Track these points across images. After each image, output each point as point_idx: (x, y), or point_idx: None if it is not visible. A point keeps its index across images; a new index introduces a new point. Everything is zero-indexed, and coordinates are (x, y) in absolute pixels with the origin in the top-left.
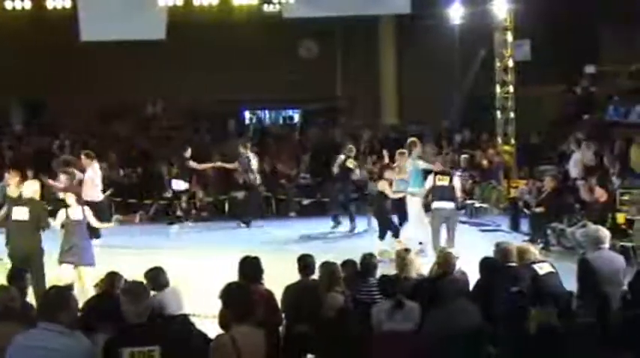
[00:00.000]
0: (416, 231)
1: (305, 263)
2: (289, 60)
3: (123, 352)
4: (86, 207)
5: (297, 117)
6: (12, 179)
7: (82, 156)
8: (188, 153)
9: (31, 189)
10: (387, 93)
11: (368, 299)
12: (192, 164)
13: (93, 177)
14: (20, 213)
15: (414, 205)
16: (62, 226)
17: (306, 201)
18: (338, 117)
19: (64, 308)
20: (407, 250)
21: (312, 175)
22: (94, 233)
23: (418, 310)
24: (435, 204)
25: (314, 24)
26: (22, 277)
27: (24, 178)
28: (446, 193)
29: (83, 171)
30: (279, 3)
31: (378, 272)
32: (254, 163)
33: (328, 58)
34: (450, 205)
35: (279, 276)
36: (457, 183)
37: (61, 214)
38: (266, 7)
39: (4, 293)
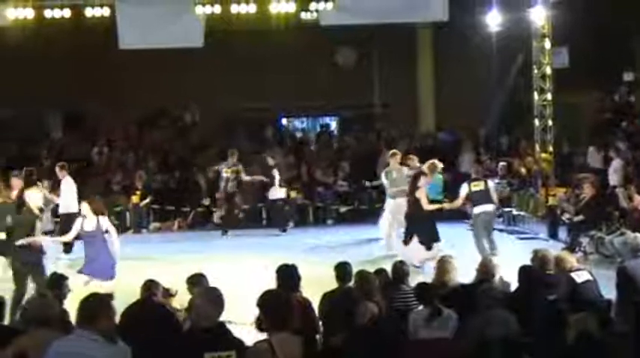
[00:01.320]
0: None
1: (342, 271)
2: (326, 67)
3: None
4: (104, 218)
5: (334, 125)
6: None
7: (57, 168)
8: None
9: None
10: (425, 101)
11: (403, 307)
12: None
13: (67, 189)
14: None
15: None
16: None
17: (343, 209)
18: (375, 125)
19: (103, 315)
20: (447, 257)
21: (349, 183)
22: (66, 247)
23: (455, 317)
24: (476, 210)
25: (351, 31)
26: (60, 284)
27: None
28: (483, 197)
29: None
30: (317, 10)
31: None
32: (276, 173)
33: (365, 66)
34: (489, 208)
35: (316, 284)
36: (492, 186)
37: (77, 225)
38: (303, 15)
39: (42, 301)
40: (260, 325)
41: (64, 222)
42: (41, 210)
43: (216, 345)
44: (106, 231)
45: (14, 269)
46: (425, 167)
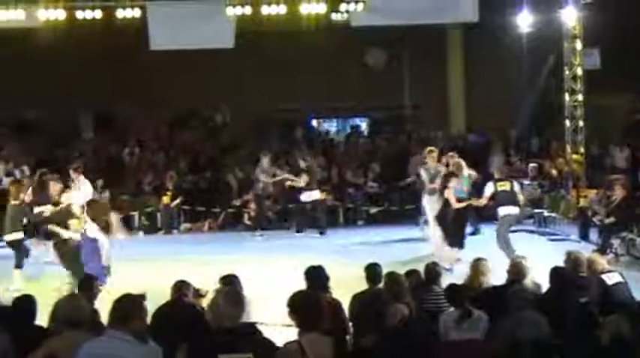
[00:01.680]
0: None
1: (372, 272)
2: (357, 68)
3: None
4: (92, 225)
5: (364, 126)
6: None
7: (71, 170)
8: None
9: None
10: (455, 102)
11: (434, 308)
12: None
13: (85, 190)
14: None
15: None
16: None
17: (373, 210)
18: (405, 126)
19: (135, 316)
20: (481, 259)
21: (380, 184)
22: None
23: (485, 319)
24: (501, 211)
25: (382, 32)
26: (91, 285)
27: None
28: (509, 198)
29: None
30: (347, 12)
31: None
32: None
33: (396, 67)
34: (514, 210)
35: (346, 285)
36: (518, 187)
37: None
38: (334, 16)
39: (73, 302)
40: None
41: None
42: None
43: (234, 347)
44: (94, 239)
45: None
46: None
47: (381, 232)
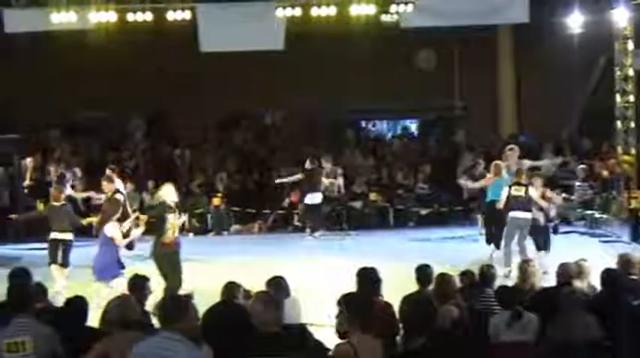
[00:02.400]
0: None
1: (422, 273)
2: (407, 69)
3: None
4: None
5: (414, 127)
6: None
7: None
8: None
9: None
10: (505, 103)
11: (486, 310)
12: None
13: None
14: None
15: None
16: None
17: (424, 211)
18: (455, 127)
19: (185, 316)
20: (528, 261)
21: (430, 185)
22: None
23: (537, 321)
24: (511, 213)
25: (432, 33)
26: (142, 286)
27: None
28: (522, 204)
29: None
30: (397, 13)
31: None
32: (340, 173)
33: (446, 68)
34: (525, 215)
35: (397, 287)
36: (533, 193)
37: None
38: (384, 17)
39: (123, 302)
40: (340, 330)
41: None
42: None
43: (282, 348)
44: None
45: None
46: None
47: (431, 234)
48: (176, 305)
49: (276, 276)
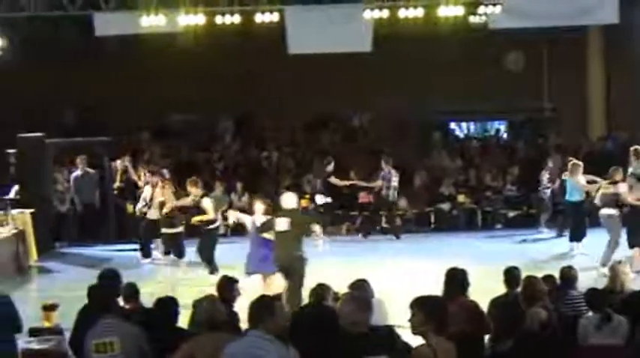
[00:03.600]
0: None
1: (510, 276)
2: (495, 71)
3: None
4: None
5: (502, 129)
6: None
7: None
8: (330, 167)
9: (292, 200)
10: (595, 104)
11: (572, 313)
12: (333, 180)
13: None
14: (282, 224)
15: None
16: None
17: (512, 213)
18: (545, 129)
19: (273, 316)
20: (619, 263)
21: (518, 187)
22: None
23: (626, 324)
24: (602, 211)
25: (520, 35)
26: (231, 288)
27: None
28: (611, 201)
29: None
30: (485, 14)
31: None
32: (395, 180)
33: (534, 69)
34: (608, 211)
35: (484, 289)
36: (622, 189)
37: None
38: (472, 19)
39: (210, 304)
40: (416, 331)
41: None
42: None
43: (369, 350)
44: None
45: None
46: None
47: (518, 236)
48: (264, 305)
49: (360, 279)
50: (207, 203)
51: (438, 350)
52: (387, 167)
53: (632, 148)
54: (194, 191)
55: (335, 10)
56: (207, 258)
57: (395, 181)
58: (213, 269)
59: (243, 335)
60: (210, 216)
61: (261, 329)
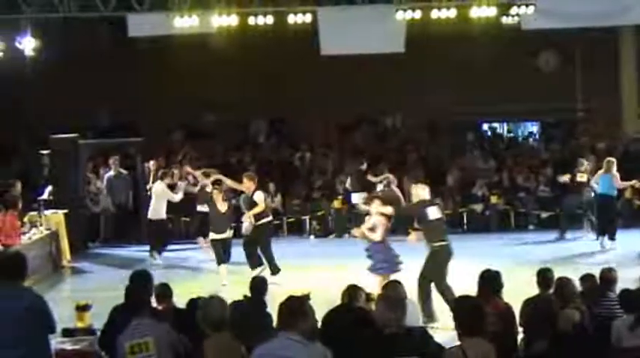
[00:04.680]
0: None
1: (543, 277)
2: (528, 72)
3: None
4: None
5: (536, 130)
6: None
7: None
8: (364, 166)
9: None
10: (629, 106)
11: (608, 314)
12: (370, 177)
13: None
14: (435, 212)
15: None
16: None
17: (544, 214)
18: (578, 130)
19: (303, 316)
20: None
21: (552, 188)
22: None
23: None
24: None
25: (553, 35)
26: (263, 288)
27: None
28: None
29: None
30: (518, 15)
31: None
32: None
33: (567, 70)
34: None
35: (518, 290)
36: None
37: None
38: (505, 19)
39: (207, 304)
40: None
41: None
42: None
43: (401, 350)
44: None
45: None
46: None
47: (552, 237)
48: (294, 306)
49: (392, 280)
50: (259, 196)
51: (468, 351)
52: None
53: None
54: (249, 185)
55: (367, 11)
56: (268, 257)
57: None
58: (274, 268)
59: (273, 336)
60: (262, 207)
61: (292, 330)
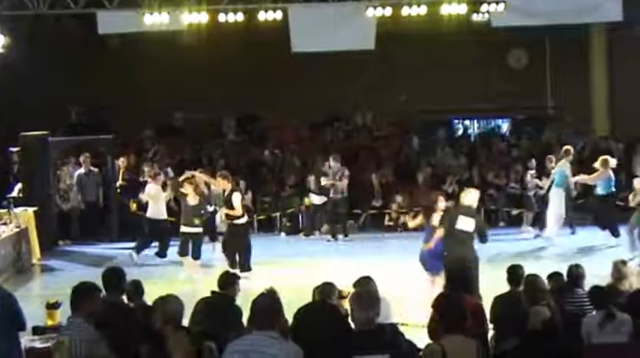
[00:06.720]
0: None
1: (514, 274)
2: (498, 69)
3: None
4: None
5: (505, 127)
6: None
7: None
8: (326, 167)
9: (476, 198)
10: (598, 104)
11: (577, 311)
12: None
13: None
14: (466, 224)
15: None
16: None
17: (515, 211)
18: (547, 128)
19: (277, 313)
20: (623, 261)
21: (521, 185)
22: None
23: (629, 322)
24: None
25: (523, 33)
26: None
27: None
28: None
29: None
30: (488, 12)
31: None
32: (344, 174)
33: (537, 68)
34: None
35: (488, 287)
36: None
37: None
38: (475, 17)
39: (176, 303)
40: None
41: None
42: None
43: (372, 348)
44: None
45: None
46: (598, 163)
47: (521, 234)
48: (268, 303)
49: (364, 277)
50: (236, 200)
51: (448, 349)
52: (335, 164)
53: None
54: (224, 184)
55: (338, 9)
56: (245, 256)
57: (345, 178)
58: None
59: (244, 332)
60: (238, 212)
61: (268, 328)
